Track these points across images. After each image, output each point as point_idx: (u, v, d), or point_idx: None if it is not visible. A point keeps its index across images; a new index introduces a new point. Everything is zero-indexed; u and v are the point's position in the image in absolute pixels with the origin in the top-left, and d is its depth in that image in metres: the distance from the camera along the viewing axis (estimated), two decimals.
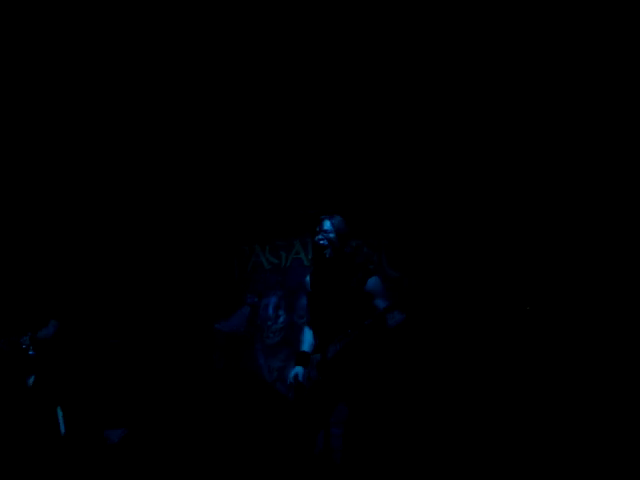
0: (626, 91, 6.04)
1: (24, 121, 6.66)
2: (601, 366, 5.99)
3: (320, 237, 4.41)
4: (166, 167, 7.60)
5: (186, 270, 7.89)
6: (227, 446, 6.15)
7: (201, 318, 7.76)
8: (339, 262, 4.44)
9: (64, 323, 5.30)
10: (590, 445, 5.36)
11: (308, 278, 4.65)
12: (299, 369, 4.37)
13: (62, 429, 4.95)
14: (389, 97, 6.56)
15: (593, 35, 5.59)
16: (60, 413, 5.01)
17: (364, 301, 4.38)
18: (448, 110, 6.65)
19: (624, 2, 5.21)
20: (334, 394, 4.23)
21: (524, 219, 6.84)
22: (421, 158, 7.20)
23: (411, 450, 5.82)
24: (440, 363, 6.59)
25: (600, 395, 5.81)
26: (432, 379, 6.50)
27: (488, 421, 6.03)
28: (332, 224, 4.45)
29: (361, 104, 6.66)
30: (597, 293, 6.30)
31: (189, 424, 6.92)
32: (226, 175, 7.72)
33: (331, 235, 4.41)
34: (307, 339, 4.61)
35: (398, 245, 7.41)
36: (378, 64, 6.12)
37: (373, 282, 4.43)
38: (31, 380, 4.86)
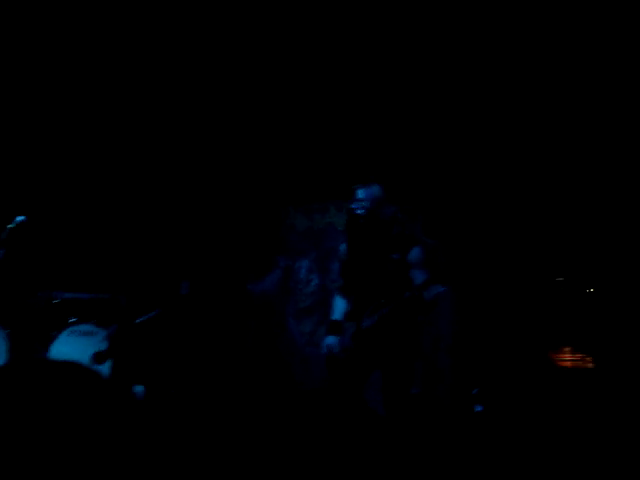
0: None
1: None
2: None
3: (355, 206, 4.33)
4: (202, 129, 7.58)
5: (220, 231, 7.89)
6: (262, 413, 6.17)
7: (234, 279, 7.78)
8: (375, 230, 4.37)
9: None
10: None
11: (344, 246, 4.58)
12: (332, 339, 4.33)
13: None
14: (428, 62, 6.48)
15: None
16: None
17: (403, 271, 4.32)
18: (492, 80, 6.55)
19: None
20: (369, 363, 4.21)
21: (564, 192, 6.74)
22: (459, 126, 7.09)
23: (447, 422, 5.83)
24: (476, 336, 6.56)
25: None
26: (469, 352, 6.49)
27: (520, 396, 5.99)
28: (366, 192, 4.37)
29: (402, 71, 6.57)
30: None
31: (221, 388, 7.00)
32: (262, 137, 7.67)
33: (364, 203, 4.33)
34: (339, 307, 4.55)
35: (434, 213, 7.33)
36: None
37: (415, 252, 4.35)
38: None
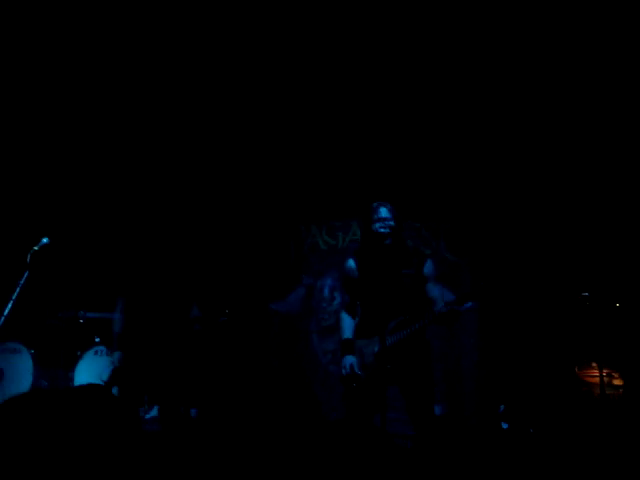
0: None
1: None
2: None
3: (380, 225, 4.31)
4: (225, 145, 7.61)
5: (244, 250, 7.90)
6: (281, 428, 6.13)
7: (257, 297, 7.78)
8: (396, 247, 4.35)
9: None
10: None
11: (352, 263, 4.52)
12: (352, 359, 4.27)
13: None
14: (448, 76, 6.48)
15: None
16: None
17: (419, 285, 4.31)
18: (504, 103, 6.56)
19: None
20: (391, 380, 4.17)
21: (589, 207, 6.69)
22: (481, 144, 7.08)
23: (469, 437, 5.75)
24: (502, 352, 6.50)
25: None
26: (494, 369, 6.43)
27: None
28: (389, 210, 4.35)
29: (419, 89, 6.60)
30: None
31: (242, 407, 6.96)
32: (286, 154, 7.69)
33: (391, 223, 4.31)
34: (347, 325, 4.50)
35: (458, 229, 7.30)
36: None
37: (429, 266, 4.35)
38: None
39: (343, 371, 4.24)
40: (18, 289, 4.45)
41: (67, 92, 6.57)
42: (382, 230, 4.29)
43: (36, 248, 4.63)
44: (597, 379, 5.89)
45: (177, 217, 7.78)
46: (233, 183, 7.94)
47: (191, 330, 5.32)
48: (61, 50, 5.97)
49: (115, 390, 4.92)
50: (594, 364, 6.11)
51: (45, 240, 4.71)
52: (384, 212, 4.33)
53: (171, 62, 6.27)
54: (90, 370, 6.75)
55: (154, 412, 7.08)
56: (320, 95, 6.82)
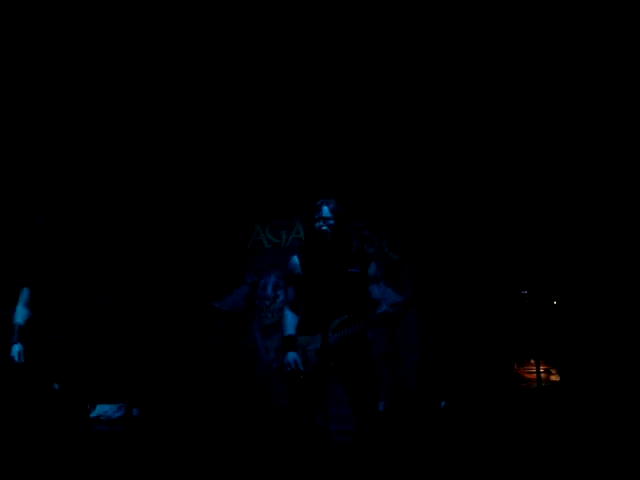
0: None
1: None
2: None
3: (320, 224, 4.32)
4: (169, 145, 7.55)
5: (186, 247, 7.85)
6: (226, 431, 6.12)
7: (200, 296, 7.74)
8: (339, 245, 4.37)
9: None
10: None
11: (296, 260, 4.53)
12: (294, 355, 4.28)
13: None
14: (393, 81, 6.52)
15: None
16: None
17: (363, 284, 4.35)
18: (448, 100, 6.62)
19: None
20: (334, 377, 4.19)
21: (526, 207, 6.82)
22: (422, 142, 7.15)
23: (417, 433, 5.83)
24: (443, 350, 6.59)
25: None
26: (435, 366, 6.50)
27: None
28: (330, 209, 4.36)
29: (363, 89, 6.61)
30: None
31: (186, 405, 6.93)
32: (228, 154, 7.66)
33: (331, 222, 4.33)
34: (290, 321, 4.50)
35: (399, 228, 7.37)
36: (380, 55, 6.09)
37: (373, 267, 4.43)
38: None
39: (287, 368, 4.23)
40: None
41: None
42: (323, 228, 4.30)
43: None
44: (535, 375, 6.01)
45: (120, 214, 7.71)
46: (178, 179, 7.88)
47: (100, 321, 5.23)
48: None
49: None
50: (533, 361, 6.24)
51: None
52: (325, 211, 4.34)
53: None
54: None
55: (96, 412, 7.00)
56: (267, 92, 6.79)
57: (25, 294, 4.72)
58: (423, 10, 5.51)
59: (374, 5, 5.48)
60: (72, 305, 4.76)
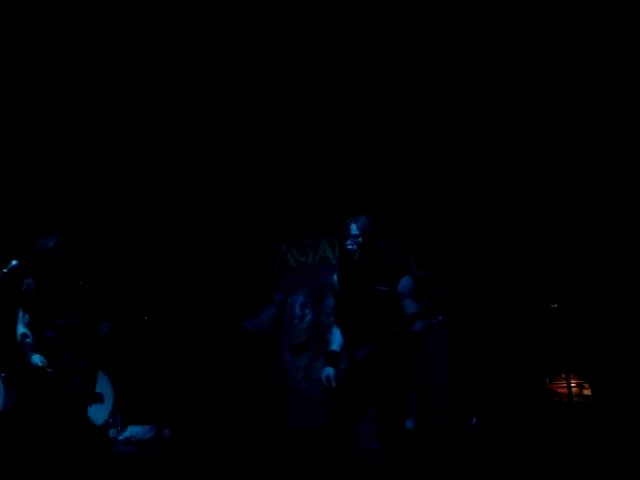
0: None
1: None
2: None
3: (349, 242, 4.34)
4: (197, 166, 7.62)
5: (214, 268, 7.89)
6: (253, 453, 6.11)
7: (228, 316, 7.78)
8: (369, 262, 4.38)
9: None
10: None
11: (335, 277, 4.58)
12: (330, 370, 4.30)
13: None
14: (421, 99, 6.55)
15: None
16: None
17: (394, 302, 4.32)
18: (475, 119, 6.63)
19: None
20: (362, 396, 4.18)
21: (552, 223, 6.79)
22: (451, 160, 7.15)
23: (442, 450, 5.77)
24: (473, 365, 6.54)
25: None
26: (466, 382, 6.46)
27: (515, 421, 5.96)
28: (358, 227, 4.37)
29: (390, 109, 6.65)
30: None
31: (215, 426, 6.96)
32: (255, 175, 7.70)
33: (359, 239, 4.34)
34: (336, 338, 4.53)
35: (425, 244, 7.36)
36: (406, 65, 6.11)
37: (404, 282, 4.35)
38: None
39: (323, 383, 4.26)
40: None
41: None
42: (349, 247, 4.31)
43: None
44: (567, 389, 5.96)
45: (150, 232, 7.80)
46: (206, 201, 7.94)
47: (106, 343, 5.26)
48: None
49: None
50: (564, 375, 6.18)
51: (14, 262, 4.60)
52: (353, 229, 4.35)
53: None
54: None
55: (127, 433, 7.05)
56: (296, 114, 6.85)
57: (20, 315, 4.82)
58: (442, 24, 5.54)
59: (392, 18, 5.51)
60: (77, 330, 4.86)
